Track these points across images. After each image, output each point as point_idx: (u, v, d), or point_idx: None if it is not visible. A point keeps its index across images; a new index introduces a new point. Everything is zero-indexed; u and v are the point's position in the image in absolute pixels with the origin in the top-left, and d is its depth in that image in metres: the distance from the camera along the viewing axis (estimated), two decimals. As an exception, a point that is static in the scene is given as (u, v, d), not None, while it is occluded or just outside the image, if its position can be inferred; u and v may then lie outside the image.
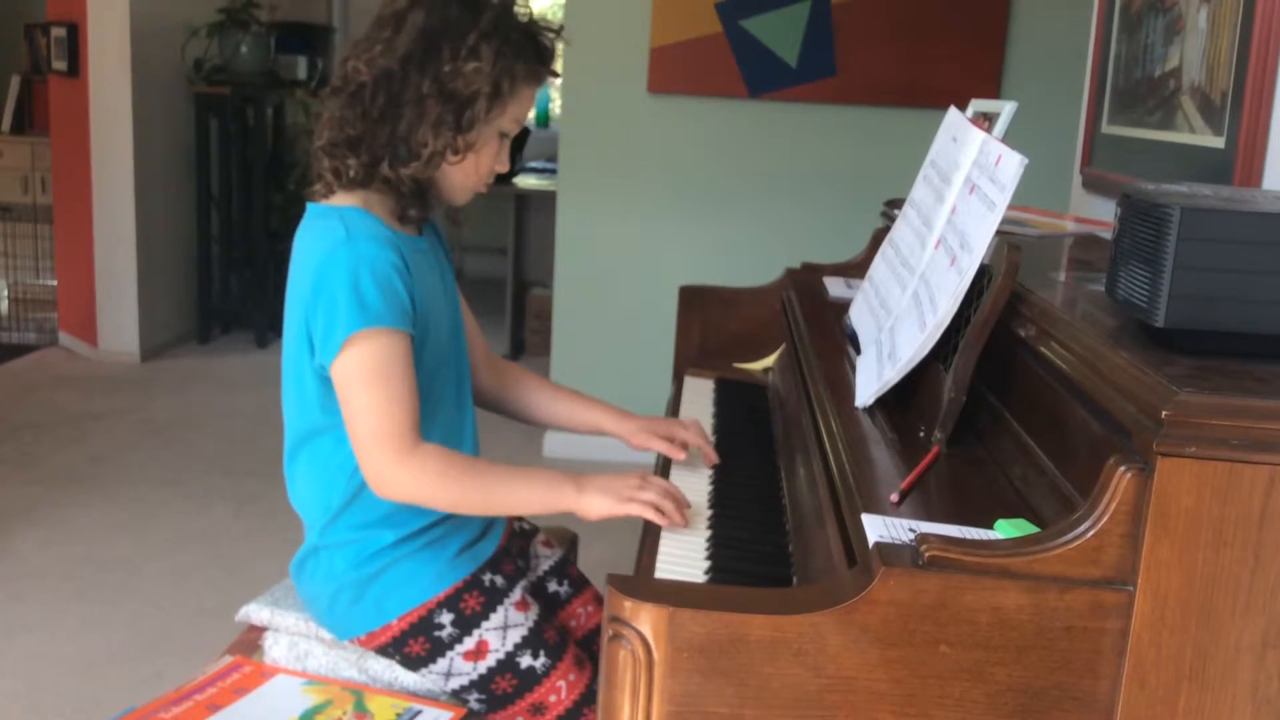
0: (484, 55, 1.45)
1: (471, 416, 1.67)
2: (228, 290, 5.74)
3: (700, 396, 2.10)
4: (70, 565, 3.15)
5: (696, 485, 1.63)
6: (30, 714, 2.46)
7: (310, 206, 1.53)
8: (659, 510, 1.44)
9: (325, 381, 1.48)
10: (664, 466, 1.70)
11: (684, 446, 1.68)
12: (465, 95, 1.45)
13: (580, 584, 1.82)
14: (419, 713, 1.51)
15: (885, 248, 1.78)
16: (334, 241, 1.45)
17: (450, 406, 1.60)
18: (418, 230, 1.57)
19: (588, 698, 1.56)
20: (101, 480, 3.79)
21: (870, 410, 1.49)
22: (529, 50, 1.50)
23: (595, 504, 1.45)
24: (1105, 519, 0.96)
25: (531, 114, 7.82)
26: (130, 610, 2.92)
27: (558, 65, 1.57)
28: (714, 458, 1.69)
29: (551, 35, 1.53)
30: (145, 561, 3.20)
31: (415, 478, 1.43)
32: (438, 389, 1.57)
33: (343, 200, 1.50)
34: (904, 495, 1.21)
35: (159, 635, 2.80)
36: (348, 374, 1.43)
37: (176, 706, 1.48)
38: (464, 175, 1.53)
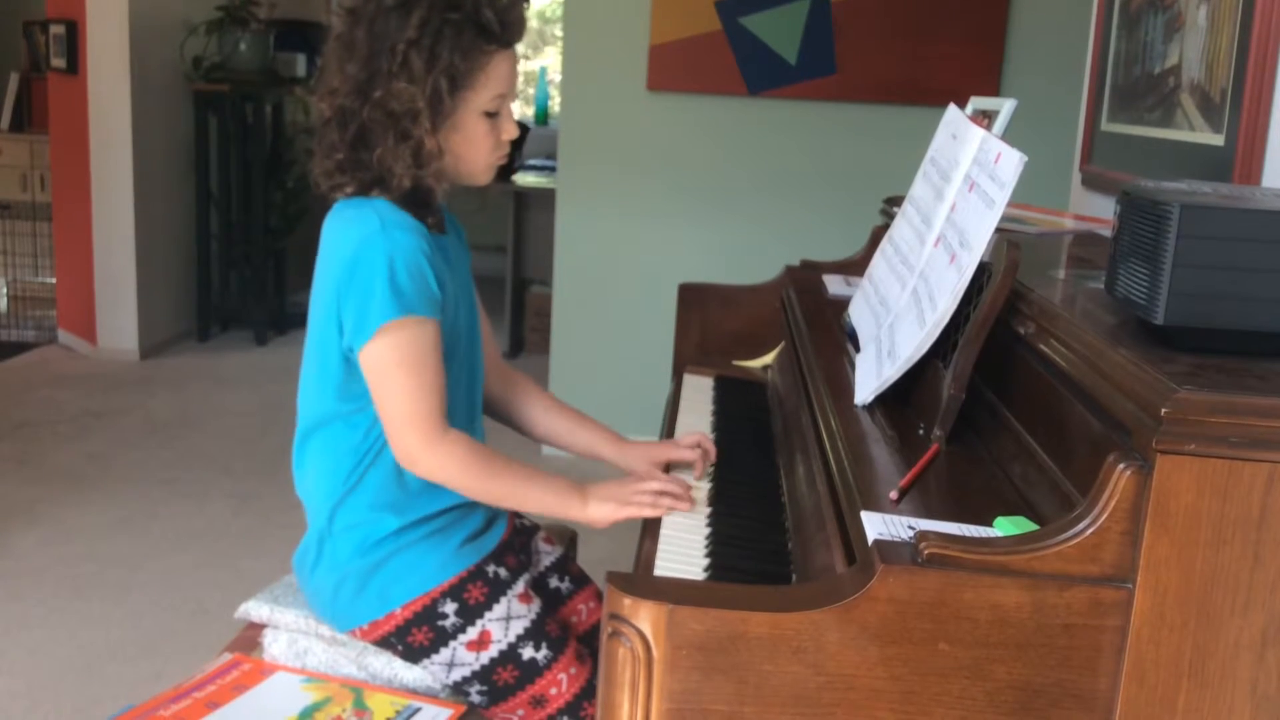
0: (414, 66, 1.45)
1: (479, 412, 1.69)
2: (227, 288, 5.74)
3: (700, 394, 2.10)
4: (69, 563, 3.15)
5: (695, 482, 1.64)
6: (30, 712, 2.46)
7: (340, 201, 1.56)
8: (658, 504, 1.50)
9: (349, 366, 1.51)
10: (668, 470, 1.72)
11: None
12: (403, 112, 1.47)
13: (581, 581, 1.82)
14: (418, 710, 1.51)
15: (885, 245, 1.78)
16: (369, 230, 1.48)
17: (461, 402, 1.62)
18: (441, 230, 1.59)
19: (588, 692, 1.57)
20: (101, 478, 3.79)
21: (870, 408, 1.49)
22: (467, 37, 1.48)
23: (600, 512, 1.52)
24: (1104, 517, 0.96)
25: (530, 111, 7.83)
26: (129, 608, 2.92)
27: (512, 28, 1.52)
28: (700, 472, 1.69)
29: (499, 5, 1.50)
30: (144, 559, 3.21)
31: (442, 462, 1.49)
32: (449, 383, 1.58)
33: (372, 195, 1.53)
34: (903, 493, 1.21)
35: (158, 633, 2.80)
36: (381, 360, 1.47)
37: (176, 704, 1.48)
38: (460, 165, 1.55)
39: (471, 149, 1.54)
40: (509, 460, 1.53)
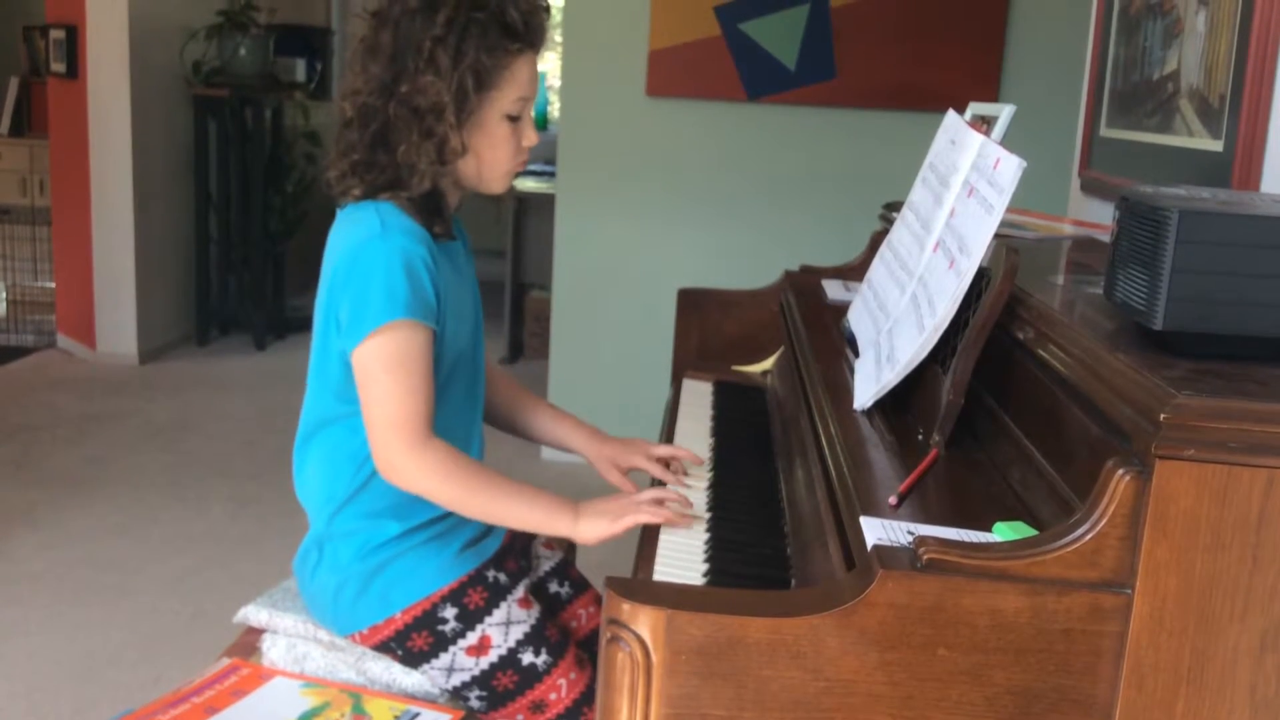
0: (440, 62, 1.46)
1: (479, 420, 1.68)
2: (226, 292, 5.74)
3: (699, 399, 2.10)
4: (68, 568, 3.15)
5: (694, 487, 1.64)
6: (28, 716, 2.46)
7: (346, 207, 1.56)
8: (655, 511, 1.47)
9: (347, 368, 1.51)
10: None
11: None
12: (429, 108, 1.47)
13: (581, 585, 1.82)
14: (417, 715, 1.51)
15: (884, 250, 1.78)
16: (369, 232, 1.48)
17: (460, 408, 1.62)
18: (449, 237, 1.59)
19: (587, 697, 1.56)
20: (99, 483, 3.78)
21: (869, 413, 1.49)
22: (492, 35, 1.49)
23: (591, 529, 1.47)
24: (1103, 522, 0.96)
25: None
26: (128, 613, 2.92)
27: (536, 31, 1.53)
28: (665, 476, 1.69)
29: (524, 6, 1.51)
30: (143, 564, 3.20)
31: (423, 470, 1.46)
32: (451, 389, 1.58)
33: (379, 199, 1.53)
34: (902, 498, 1.21)
35: (157, 637, 2.80)
36: (369, 360, 1.46)
37: (174, 709, 1.48)
38: (482, 168, 1.56)
39: (493, 151, 1.55)
40: (494, 474, 1.50)
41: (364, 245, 1.47)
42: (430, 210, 1.53)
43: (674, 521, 1.47)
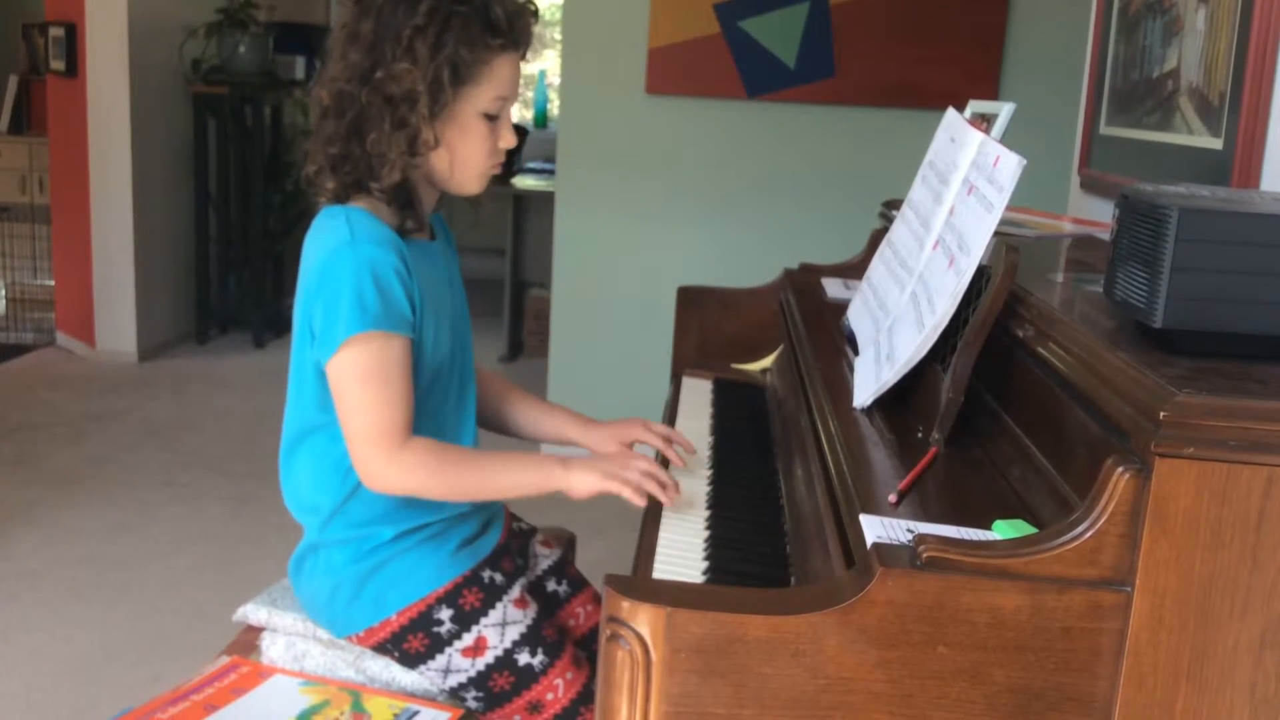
0: (418, 52, 1.44)
1: (472, 418, 1.67)
2: (226, 291, 5.74)
3: (698, 397, 2.10)
4: (67, 566, 3.15)
5: (694, 486, 1.63)
6: (28, 714, 2.46)
7: (324, 209, 1.54)
8: (640, 490, 1.47)
9: (324, 378, 1.50)
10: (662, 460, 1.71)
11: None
12: (402, 96, 1.45)
13: (579, 584, 1.82)
14: (416, 713, 1.51)
15: (883, 249, 1.78)
16: (338, 242, 1.46)
17: (450, 408, 1.61)
18: (429, 235, 1.57)
19: (585, 696, 1.56)
20: (99, 481, 3.78)
21: (868, 411, 1.49)
22: (474, 30, 1.47)
23: (582, 481, 1.48)
24: (1103, 520, 0.96)
25: (529, 114, 7.83)
26: (127, 611, 2.92)
27: (521, 31, 1.52)
28: (676, 458, 1.69)
29: (509, 6, 1.50)
30: (143, 562, 3.20)
31: (407, 472, 1.46)
32: (439, 390, 1.57)
33: (351, 201, 1.52)
34: (902, 496, 1.21)
35: (156, 636, 2.80)
36: (343, 373, 1.45)
37: (174, 707, 1.48)
38: (455, 164, 1.53)
39: (467, 147, 1.52)
40: (475, 452, 1.51)
41: (333, 256, 1.45)
42: (402, 203, 1.51)
43: (665, 499, 1.47)
